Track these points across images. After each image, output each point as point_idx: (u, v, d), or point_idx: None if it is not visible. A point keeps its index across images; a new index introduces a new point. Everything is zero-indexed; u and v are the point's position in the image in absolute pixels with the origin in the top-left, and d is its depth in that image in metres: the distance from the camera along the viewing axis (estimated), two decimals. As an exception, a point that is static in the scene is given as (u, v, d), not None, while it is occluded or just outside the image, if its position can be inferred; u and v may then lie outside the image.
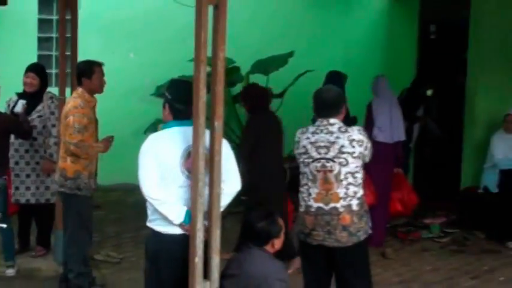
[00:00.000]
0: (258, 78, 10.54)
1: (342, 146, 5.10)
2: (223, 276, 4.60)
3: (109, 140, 6.50)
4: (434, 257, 8.12)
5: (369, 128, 7.71)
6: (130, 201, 9.69)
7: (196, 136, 4.27)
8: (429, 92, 10.64)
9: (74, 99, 6.40)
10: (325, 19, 11.56)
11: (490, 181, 8.88)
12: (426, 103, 10.43)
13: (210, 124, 4.30)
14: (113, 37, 10.64)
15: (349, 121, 7.60)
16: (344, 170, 5.10)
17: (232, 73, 10.25)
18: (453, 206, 9.49)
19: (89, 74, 6.37)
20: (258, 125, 7.39)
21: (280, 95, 10.38)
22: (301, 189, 5.30)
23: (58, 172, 6.40)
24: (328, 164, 5.13)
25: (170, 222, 4.54)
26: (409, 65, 10.69)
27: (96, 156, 6.51)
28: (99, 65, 6.48)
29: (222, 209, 4.58)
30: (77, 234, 6.37)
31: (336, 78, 8.62)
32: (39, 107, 7.29)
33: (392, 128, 8.24)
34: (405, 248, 8.40)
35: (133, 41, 10.80)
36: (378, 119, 8.19)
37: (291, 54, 10.41)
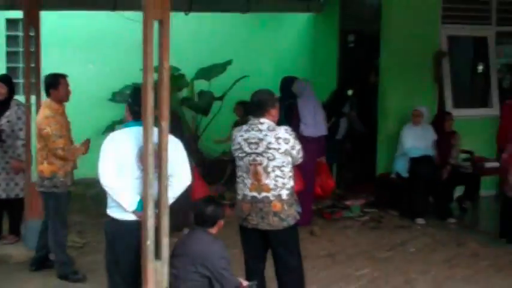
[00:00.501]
0: (202, 84, 10.59)
1: (269, 143, 5.10)
2: (172, 255, 4.62)
3: (87, 143, 6.56)
4: (355, 233, 8.19)
5: (296, 125, 7.72)
6: (91, 194, 9.57)
7: (145, 134, 4.27)
8: (349, 92, 10.80)
9: (43, 109, 6.42)
10: (259, 32, 11.60)
11: (401, 167, 8.94)
12: (350, 101, 10.58)
13: (158, 124, 4.31)
14: (73, 51, 10.50)
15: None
16: (271, 163, 5.10)
17: (179, 80, 10.28)
18: (370, 189, 9.56)
19: (55, 85, 6.40)
20: None
21: (221, 98, 10.42)
22: (238, 180, 5.31)
23: (37, 174, 6.43)
24: (258, 158, 5.13)
25: (126, 210, 4.55)
26: (331, 69, 10.75)
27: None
28: (63, 77, 6.49)
29: (172, 200, 4.61)
30: (55, 228, 6.40)
31: (288, 82, 8.72)
32: (7, 113, 7.17)
33: (316, 124, 8.25)
34: (330, 226, 8.43)
35: (91, 54, 10.68)
36: (304, 116, 8.18)
37: (229, 62, 10.47)
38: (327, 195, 8.85)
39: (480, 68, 10.59)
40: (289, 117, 7.93)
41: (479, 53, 10.54)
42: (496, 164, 8.37)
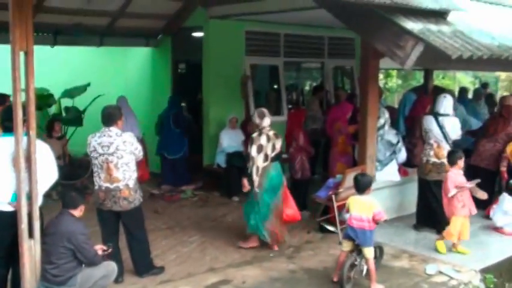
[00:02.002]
0: (67, 101, 10.17)
1: (118, 146, 5.04)
2: (44, 234, 4.42)
3: None
4: (188, 210, 8.17)
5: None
6: None
7: (17, 142, 4.07)
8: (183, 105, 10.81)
9: None
10: (111, 61, 11.26)
11: (221, 160, 9.06)
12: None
13: (26, 133, 4.11)
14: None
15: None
16: (120, 161, 5.05)
17: (48, 98, 9.84)
18: (200, 177, 9.55)
19: (2, 102, 6.06)
20: None
21: (83, 112, 10.06)
22: (95, 174, 5.19)
23: None
24: (109, 158, 5.05)
25: (3, 202, 4.28)
26: (167, 90, 10.62)
27: None
28: (9, 97, 6.10)
29: (44, 192, 4.41)
30: None
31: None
32: None
33: (132, 129, 8.08)
34: (170, 206, 8.36)
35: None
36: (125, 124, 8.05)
37: (88, 84, 10.18)
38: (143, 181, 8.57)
39: (274, 87, 10.99)
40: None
41: (273, 77, 10.87)
42: (286, 156, 8.71)
